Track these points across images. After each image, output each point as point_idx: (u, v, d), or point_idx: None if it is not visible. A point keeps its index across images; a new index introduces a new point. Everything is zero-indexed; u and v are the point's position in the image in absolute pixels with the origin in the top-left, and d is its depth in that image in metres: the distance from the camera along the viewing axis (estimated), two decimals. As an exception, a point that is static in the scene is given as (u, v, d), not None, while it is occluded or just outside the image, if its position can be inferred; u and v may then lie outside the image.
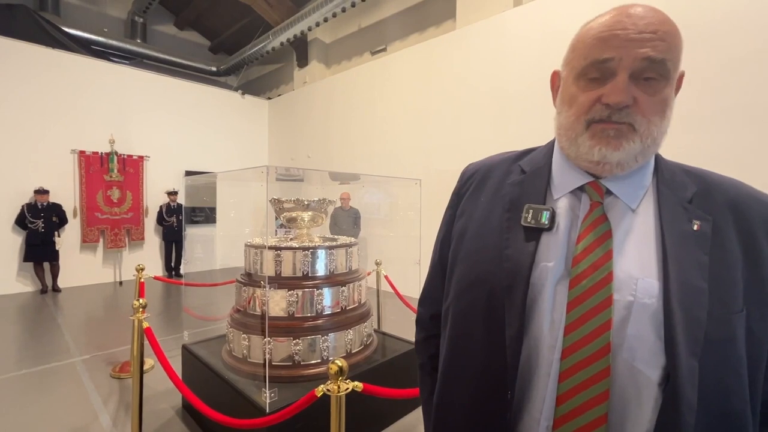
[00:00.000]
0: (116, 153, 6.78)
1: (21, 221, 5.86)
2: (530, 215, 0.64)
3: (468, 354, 0.67)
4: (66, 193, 6.39)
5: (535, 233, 0.63)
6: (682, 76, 0.60)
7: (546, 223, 0.62)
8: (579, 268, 0.58)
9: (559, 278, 0.60)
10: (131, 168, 7.06)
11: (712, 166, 0.65)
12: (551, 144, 0.72)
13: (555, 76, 0.68)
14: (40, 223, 5.88)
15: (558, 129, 0.65)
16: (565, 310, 0.58)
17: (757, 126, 3.27)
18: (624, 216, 0.61)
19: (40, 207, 5.92)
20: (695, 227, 0.57)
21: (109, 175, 6.77)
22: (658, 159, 0.65)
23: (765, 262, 0.56)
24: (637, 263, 0.57)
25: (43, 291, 5.98)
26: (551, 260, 0.61)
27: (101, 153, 6.71)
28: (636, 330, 0.55)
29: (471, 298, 0.67)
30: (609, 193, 0.62)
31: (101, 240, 6.80)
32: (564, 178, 0.66)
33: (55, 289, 6.10)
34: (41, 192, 5.93)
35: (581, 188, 0.64)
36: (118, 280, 6.92)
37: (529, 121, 4.65)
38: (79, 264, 6.57)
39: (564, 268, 0.60)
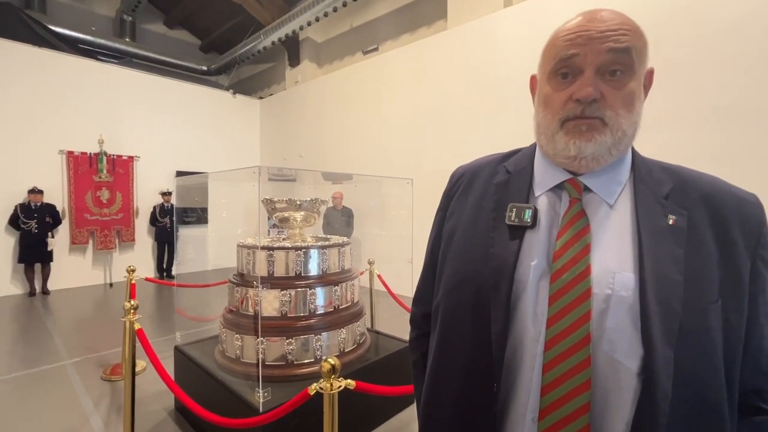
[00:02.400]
0: (105, 153, 6.70)
1: (14, 222, 5.78)
2: (514, 213, 0.66)
3: (456, 350, 0.68)
4: (54, 194, 6.29)
5: (519, 231, 0.65)
6: (651, 72, 0.62)
7: (528, 220, 0.65)
8: (559, 263, 0.60)
9: (541, 274, 0.62)
10: (121, 168, 6.97)
11: (696, 164, 0.67)
12: (534, 145, 0.74)
13: (533, 80, 0.71)
14: (33, 224, 5.80)
15: (537, 128, 0.68)
16: (547, 304, 0.60)
17: (746, 125, 3.34)
18: (601, 211, 0.63)
19: (33, 207, 5.84)
20: (670, 222, 0.59)
21: (99, 175, 6.68)
22: (635, 156, 0.67)
23: (739, 255, 0.58)
24: (614, 257, 0.60)
25: (32, 294, 5.89)
26: (534, 257, 0.63)
27: (90, 153, 6.62)
28: (614, 322, 0.57)
29: (459, 297, 0.68)
30: (587, 189, 0.64)
31: (91, 241, 6.72)
32: (544, 177, 0.69)
33: (44, 292, 6.01)
34: (35, 192, 5.84)
35: (561, 186, 0.66)
36: (108, 282, 6.84)
37: (520, 121, 4.69)
38: (69, 266, 6.48)
39: (546, 263, 0.62)
